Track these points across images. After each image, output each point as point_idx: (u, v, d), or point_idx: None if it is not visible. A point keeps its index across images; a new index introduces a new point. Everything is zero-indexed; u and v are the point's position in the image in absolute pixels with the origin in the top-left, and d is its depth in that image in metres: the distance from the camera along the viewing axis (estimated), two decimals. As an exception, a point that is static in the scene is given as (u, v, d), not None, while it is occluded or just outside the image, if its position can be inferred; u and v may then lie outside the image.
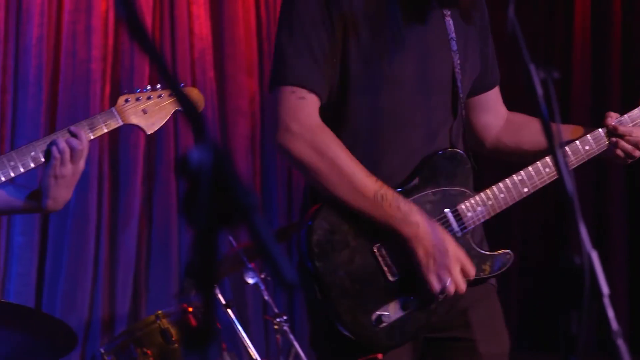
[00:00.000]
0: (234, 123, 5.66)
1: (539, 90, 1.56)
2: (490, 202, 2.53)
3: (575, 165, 2.64)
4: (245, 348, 4.28)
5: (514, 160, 2.75)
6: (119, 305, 5.26)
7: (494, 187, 2.54)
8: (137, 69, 5.33)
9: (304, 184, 2.61)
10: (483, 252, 2.53)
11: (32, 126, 5.02)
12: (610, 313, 1.47)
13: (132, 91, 2.83)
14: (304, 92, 2.40)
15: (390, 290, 2.41)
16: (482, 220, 2.53)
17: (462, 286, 2.41)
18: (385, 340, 2.42)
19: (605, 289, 1.48)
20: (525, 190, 2.56)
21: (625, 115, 2.68)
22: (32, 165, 2.64)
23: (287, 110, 2.40)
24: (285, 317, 4.51)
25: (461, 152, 2.54)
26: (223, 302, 4.27)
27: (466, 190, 2.52)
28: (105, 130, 2.73)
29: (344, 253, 2.39)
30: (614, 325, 1.46)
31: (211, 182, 1.05)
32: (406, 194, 2.45)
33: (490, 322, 2.60)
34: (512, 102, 2.88)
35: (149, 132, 2.83)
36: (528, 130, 2.76)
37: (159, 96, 2.83)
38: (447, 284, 2.37)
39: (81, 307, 5.13)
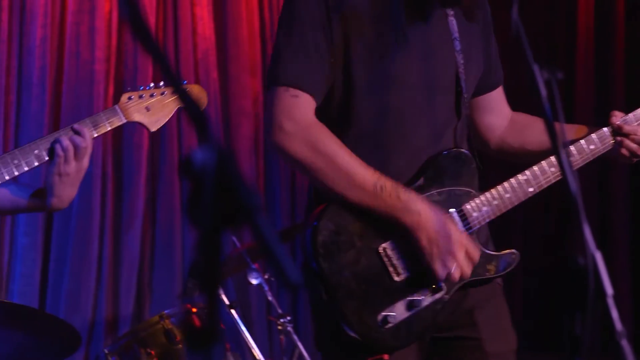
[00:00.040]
0: (238, 124, 5.66)
1: (543, 91, 1.56)
2: (495, 202, 2.52)
3: (581, 165, 2.64)
4: (249, 348, 4.28)
5: (519, 161, 2.74)
6: (122, 306, 5.26)
7: (499, 187, 2.53)
8: (141, 69, 5.34)
9: (308, 184, 2.60)
10: (488, 252, 2.53)
11: (36, 127, 5.02)
12: (614, 313, 1.47)
13: (135, 89, 2.83)
14: (298, 92, 2.39)
15: (396, 290, 2.41)
16: (488, 220, 2.52)
17: (468, 271, 2.40)
18: (391, 341, 2.41)
19: (609, 289, 1.47)
20: (531, 189, 2.55)
21: (631, 114, 2.68)
22: (36, 163, 2.64)
23: (280, 109, 2.39)
24: (288, 318, 4.51)
25: (466, 151, 2.54)
26: (227, 302, 4.27)
27: (471, 190, 2.52)
28: (109, 128, 2.73)
29: (349, 254, 2.38)
30: (618, 325, 1.46)
31: (215, 182, 1.05)
32: None
33: (497, 321, 2.59)
34: (516, 103, 2.87)
35: (153, 129, 2.83)
36: (532, 131, 2.75)
37: (162, 93, 2.83)
38: (452, 270, 2.37)
39: (85, 308, 5.14)
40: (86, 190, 5.06)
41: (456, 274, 2.38)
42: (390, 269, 2.40)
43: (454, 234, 2.38)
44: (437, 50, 2.51)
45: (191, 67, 5.51)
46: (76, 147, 2.61)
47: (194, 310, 4.14)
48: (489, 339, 2.54)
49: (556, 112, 1.55)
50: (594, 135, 2.65)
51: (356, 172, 2.36)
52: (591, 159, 2.65)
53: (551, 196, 5.80)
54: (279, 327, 4.54)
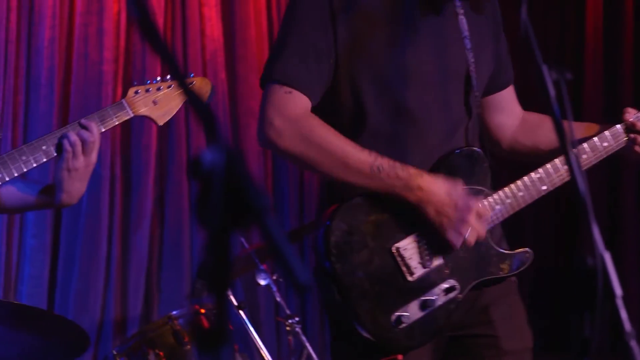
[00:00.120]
0: (246, 124, 5.66)
1: (552, 91, 1.56)
2: (509, 201, 2.51)
3: (594, 162, 2.61)
4: (257, 349, 4.28)
5: (531, 160, 2.70)
6: (131, 307, 5.27)
7: (512, 185, 2.52)
8: (149, 70, 5.34)
9: (318, 184, 2.59)
10: (502, 250, 2.52)
11: (44, 128, 5.02)
12: (623, 314, 1.46)
13: (142, 83, 2.82)
14: (291, 89, 2.38)
15: (410, 290, 2.40)
16: (501, 219, 2.51)
17: (483, 231, 2.41)
18: (405, 341, 2.40)
19: (618, 290, 1.47)
20: (544, 187, 2.54)
21: None
22: (44, 159, 2.63)
23: (272, 105, 2.39)
24: (297, 319, 4.50)
25: (478, 150, 2.53)
26: (235, 303, 4.27)
27: (484, 189, 2.50)
28: (116, 122, 2.72)
29: (362, 254, 2.37)
30: (627, 326, 1.46)
31: (223, 183, 1.05)
32: None
33: (513, 318, 2.58)
34: (526, 103, 2.86)
35: (160, 123, 2.81)
36: (544, 130, 2.73)
37: (169, 87, 2.82)
38: (467, 236, 2.37)
39: (93, 309, 5.14)
40: (94, 191, 5.06)
41: (472, 239, 2.38)
42: (404, 268, 2.40)
43: (459, 200, 2.37)
44: (448, 47, 2.50)
45: (199, 68, 5.51)
46: (84, 142, 2.61)
47: (203, 311, 4.14)
48: (504, 337, 2.53)
49: (565, 112, 1.54)
50: (607, 133, 2.63)
51: (351, 157, 2.35)
52: (604, 156, 2.63)
53: (560, 196, 5.78)
54: (287, 328, 4.53)
